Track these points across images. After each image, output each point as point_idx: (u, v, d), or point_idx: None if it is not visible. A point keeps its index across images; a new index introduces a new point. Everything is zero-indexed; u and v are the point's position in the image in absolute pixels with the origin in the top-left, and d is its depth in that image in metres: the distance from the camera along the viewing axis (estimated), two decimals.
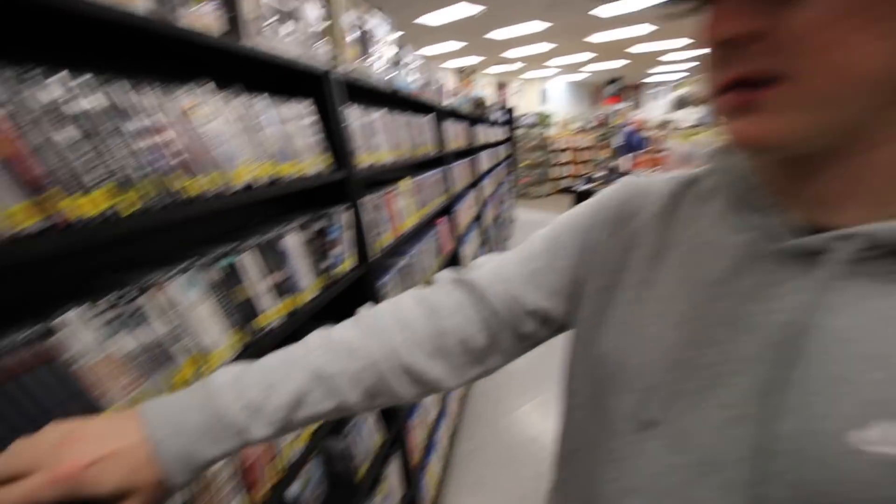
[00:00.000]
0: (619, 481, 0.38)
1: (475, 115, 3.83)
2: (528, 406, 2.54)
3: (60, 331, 0.51)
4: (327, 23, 1.19)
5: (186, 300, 0.68)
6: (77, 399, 0.52)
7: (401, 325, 0.47)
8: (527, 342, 0.51)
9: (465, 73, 7.07)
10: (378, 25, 1.53)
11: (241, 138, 0.83)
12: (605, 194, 0.49)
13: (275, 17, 0.95)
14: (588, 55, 9.89)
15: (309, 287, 1.02)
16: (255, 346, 0.81)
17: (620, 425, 0.39)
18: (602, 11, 6.24)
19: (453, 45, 8.73)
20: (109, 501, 0.33)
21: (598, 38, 7.94)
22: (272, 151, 0.91)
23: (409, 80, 1.91)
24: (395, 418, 1.45)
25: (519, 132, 9.42)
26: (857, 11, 0.26)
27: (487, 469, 2.09)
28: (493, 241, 4.34)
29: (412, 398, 0.48)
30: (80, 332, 0.53)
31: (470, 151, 3.52)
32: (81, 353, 0.53)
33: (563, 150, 10.06)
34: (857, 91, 0.27)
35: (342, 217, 1.19)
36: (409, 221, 1.77)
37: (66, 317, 0.52)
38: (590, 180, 6.29)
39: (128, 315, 0.59)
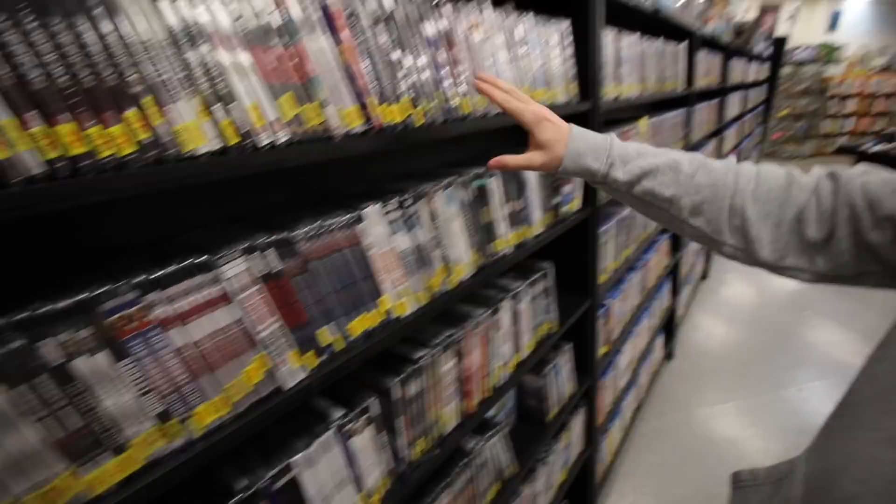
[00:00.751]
0: (853, 482, 0.34)
1: (733, 47, 3.10)
2: (729, 406, 2.17)
3: (364, 221, 0.61)
4: None
5: (448, 212, 0.74)
6: (367, 280, 0.62)
7: (759, 179, 0.49)
8: (862, 263, 0.43)
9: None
10: None
11: (507, 60, 0.82)
12: None
13: None
14: None
15: (538, 221, 1.00)
16: (487, 271, 0.84)
17: (870, 437, 0.34)
18: None
19: None
20: (534, 147, 0.61)
21: None
22: (531, 76, 0.88)
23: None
24: (588, 373, 1.41)
25: (785, 70, 7.37)
26: None
27: (672, 455, 1.91)
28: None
29: (726, 239, 0.50)
30: (374, 226, 0.62)
31: (721, 92, 2.91)
32: (375, 243, 0.62)
33: (847, 98, 7.52)
34: None
35: None
36: None
37: (366, 210, 0.61)
38: (889, 139, 4.60)
39: (406, 218, 0.67)
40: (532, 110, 0.59)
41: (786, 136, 7.76)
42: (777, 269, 0.48)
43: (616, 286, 1.61)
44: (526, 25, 0.86)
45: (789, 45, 7.34)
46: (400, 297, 0.68)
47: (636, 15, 1.40)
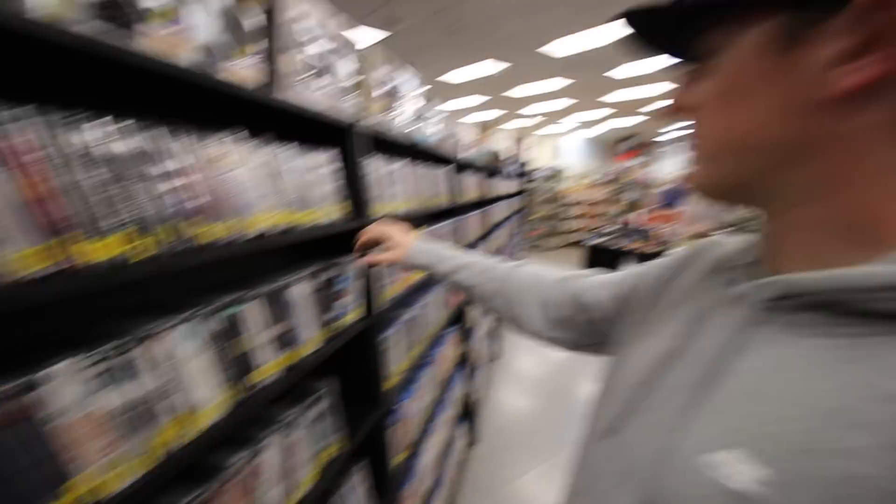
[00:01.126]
0: (576, 482, 0.46)
1: (491, 168, 3.89)
2: (532, 473, 2.39)
3: (44, 385, 0.48)
4: (359, 77, 1.22)
5: (185, 351, 0.65)
6: (42, 465, 0.48)
7: (527, 277, 0.73)
8: (589, 337, 0.64)
9: (484, 128, 7.32)
10: (407, 81, 1.58)
11: (262, 186, 0.82)
12: (693, 245, 0.55)
13: (310, 72, 0.98)
14: (606, 111, 10.21)
15: (313, 339, 0.98)
16: (247, 404, 0.76)
17: (594, 434, 0.46)
18: (616, 73, 6.49)
19: (476, 100, 9.09)
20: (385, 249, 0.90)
21: (614, 96, 8.22)
22: (290, 199, 0.90)
23: (429, 133, 1.95)
24: (385, 489, 1.36)
25: (533, 185, 9.57)
26: (722, 97, 0.35)
27: None
28: None
29: (511, 317, 0.73)
30: (64, 387, 0.50)
31: (484, 203, 3.55)
32: (61, 411, 0.49)
33: (576, 204, 10.16)
34: (736, 150, 0.34)
35: (353, 267, 1.17)
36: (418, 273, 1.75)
37: (53, 369, 0.49)
38: (601, 235, 6.28)
39: (118, 369, 0.56)
40: (379, 230, 0.94)
41: (539, 234, 9.86)
42: (545, 339, 0.69)
43: (408, 387, 1.65)
44: (284, 155, 0.90)
45: (533, 167, 9.66)
46: (111, 468, 0.54)
47: (401, 146, 1.63)
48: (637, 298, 0.56)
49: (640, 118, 10.78)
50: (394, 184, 1.49)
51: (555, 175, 10.47)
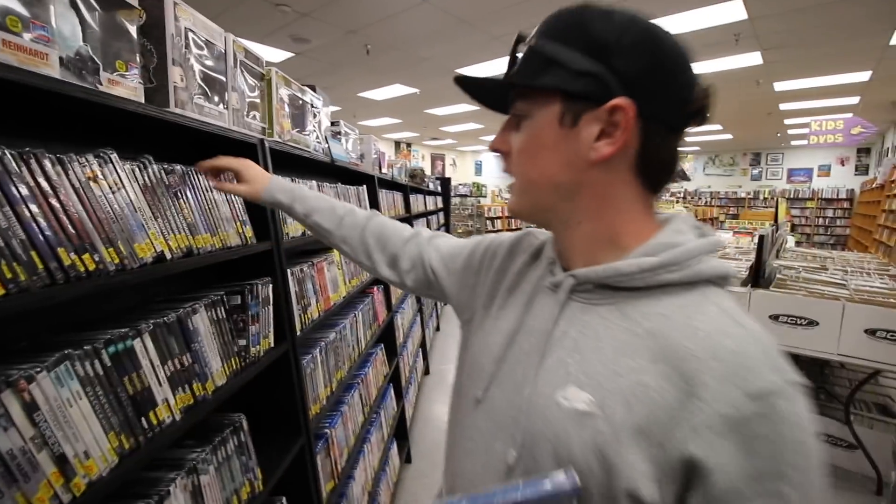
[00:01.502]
0: (462, 444, 0.56)
1: (412, 185, 3.93)
2: None
3: None
4: (261, 94, 1.19)
5: (62, 396, 0.57)
6: None
7: (382, 225, 0.82)
8: (425, 287, 0.76)
9: (403, 146, 7.39)
10: (317, 98, 1.56)
11: (152, 208, 0.76)
12: (513, 237, 0.68)
13: (205, 88, 0.93)
14: None
15: (218, 371, 0.91)
16: (144, 451, 0.69)
17: (467, 405, 0.57)
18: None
19: (392, 120, 9.17)
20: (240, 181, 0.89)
21: None
22: (186, 223, 0.85)
23: (347, 150, 1.93)
24: None
25: (455, 201, 9.78)
26: (527, 145, 0.49)
27: None
28: (427, 309, 4.30)
29: (363, 260, 0.82)
30: None
31: (407, 220, 3.57)
32: None
33: (496, 218, 10.58)
34: (537, 189, 0.50)
35: (264, 290, 1.12)
36: (341, 291, 1.71)
37: None
38: None
39: None
40: (238, 162, 0.90)
41: None
42: (396, 284, 0.79)
43: (334, 411, 1.60)
44: (177, 176, 0.84)
45: (454, 183, 9.88)
46: None
47: (315, 163, 1.60)
48: (481, 271, 0.67)
49: None
50: None
51: (477, 191, 10.81)
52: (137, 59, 0.77)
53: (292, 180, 1.17)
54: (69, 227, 0.61)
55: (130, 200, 0.72)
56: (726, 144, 12.25)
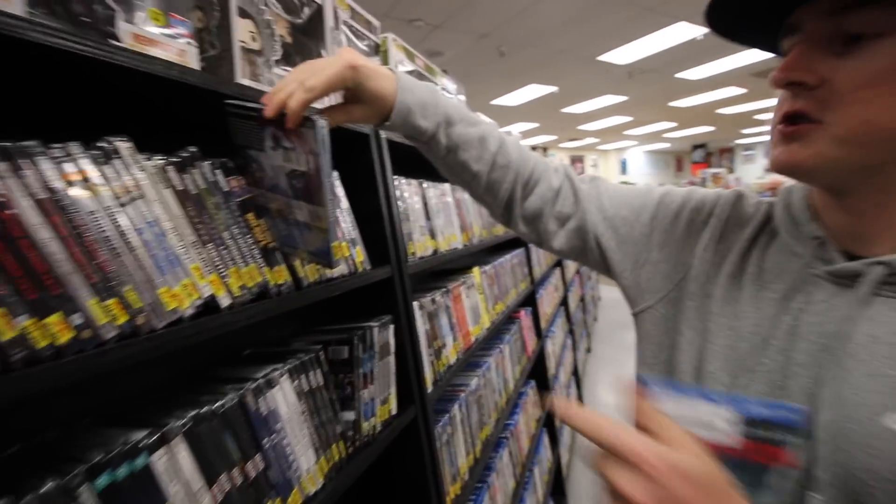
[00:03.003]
0: None
1: None
2: None
3: None
4: None
5: None
6: None
7: (536, 171, 0.59)
8: (578, 246, 0.59)
9: (539, 151, 6.97)
10: (446, 83, 1.24)
11: (198, 229, 0.49)
12: (722, 202, 0.52)
13: (283, 55, 0.65)
14: (667, 124, 9.41)
15: (309, 474, 0.60)
16: None
17: None
18: (691, 74, 5.85)
19: (528, 125, 8.77)
20: (357, 101, 0.52)
21: (680, 103, 7.50)
22: (265, 245, 0.56)
23: None
24: None
25: None
26: (883, 82, 0.35)
27: None
28: (578, 328, 3.73)
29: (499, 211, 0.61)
30: None
31: None
32: None
33: None
34: (872, 140, 0.37)
35: (382, 335, 0.80)
36: (483, 322, 1.35)
37: None
38: None
39: None
40: (342, 63, 0.48)
41: None
42: (526, 239, 0.63)
43: (480, 484, 1.22)
44: (242, 182, 0.56)
45: None
46: None
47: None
48: (678, 243, 0.52)
49: (705, 128, 9.81)
50: (438, 212, 1.12)
51: None
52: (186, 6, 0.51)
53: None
54: (15, 267, 0.34)
55: (154, 219, 0.44)
56: None
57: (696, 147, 12.02)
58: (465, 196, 1.34)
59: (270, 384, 0.56)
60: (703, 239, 0.51)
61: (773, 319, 0.42)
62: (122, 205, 0.42)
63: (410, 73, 1.00)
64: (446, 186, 1.21)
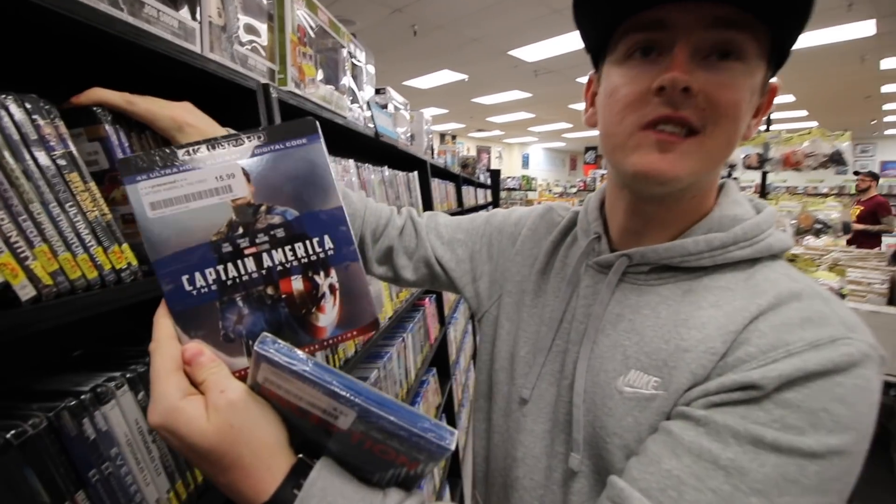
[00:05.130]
0: (510, 453, 0.51)
1: (464, 176, 3.48)
2: None
3: None
4: (260, 19, 0.75)
5: None
6: None
7: (378, 214, 0.66)
8: (426, 273, 0.66)
9: (448, 138, 6.98)
10: (355, 47, 1.12)
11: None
12: (534, 216, 0.61)
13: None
14: (565, 124, 10.10)
15: None
16: None
17: (509, 405, 0.52)
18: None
19: (439, 111, 8.74)
20: None
21: (578, 106, 8.07)
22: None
23: (396, 129, 1.49)
24: None
25: (502, 195, 9.29)
26: (746, 101, 0.39)
27: None
28: None
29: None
30: None
31: (458, 214, 3.12)
32: None
33: None
34: (727, 155, 0.41)
35: None
36: (386, 311, 1.27)
37: None
38: None
39: None
40: (169, 115, 0.46)
41: None
42: (384, 279, 0.67)
43: None
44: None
45: (502, 176, 9.36)
46: None
47: (346, 136, 1.17)
48: (501, 255, 0.61)
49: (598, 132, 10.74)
50: (355, 189, 1.02)
51: (526, 184, 10.24)
52: None
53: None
54: None
55: None
56: (786, 137, 10.93)
57: (588, 149, 13.09)
58: (372, 177, 1.24)
59: (101, 398, 0.43)
60: (517, 246, 0.59)
61: (565, 305, 0.49)
62: None
63: (312, 28, 0.87)
64: (350, 163, 1.10)
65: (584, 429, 0.43)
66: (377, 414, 0.28)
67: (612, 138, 0.42)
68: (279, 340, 0.30)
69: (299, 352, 0.29)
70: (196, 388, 0.30)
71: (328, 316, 0.35)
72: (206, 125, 0.52)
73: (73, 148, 0.41)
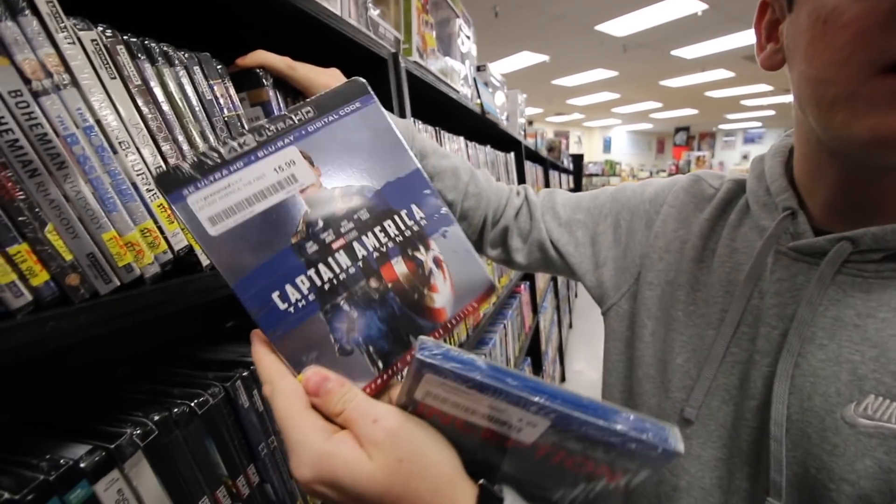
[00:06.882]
0: (668, 481, 0.42)
1: (550, 160, 3.33)
2: None
3: None
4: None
5: None
6: None
7: (500, 197, 0.61)
8: (539, 257, 0.58)
9: (525, 122, 6.80)
10: (462, 21, 1.07)
11: (148, 148, 0.33)
12: (676, 189, 0.50)
13: None
14: (654, 104, 9.35)
15: None
16: None
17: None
18: (685, 52, 5.75)
19: (521, 94, 8.54)
20: None
21: (670, 83, 7.41)
22: None
23: (494, 107, 1.43)
24: None
25: (588, 180, 8.89)
26: None
27: None
28: (563, 303, 3.69)
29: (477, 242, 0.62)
30: None
31: None
32: None
33: None
34: None
35: None
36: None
37: None
38: None
39: None
40: (324, 83, 0.47)
41: None
42: (497, 261, 0.62)
43: None
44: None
45: (586, 160, 8.95)
46: None
47: (455, 111, 1.12)
48: (633, 237, 0.51)
49: (690, 111, 9.80)
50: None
51: (609, 168, 9.70)
52: None
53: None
54: None
55: (95, 120, 0.29)
56: None
57: (678, 129, 12.06)
58: (480, 155, 1.19)
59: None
60: (655, 227, 0.49)
61: (742, 302, 0.39)
62: (37, 93, 0.26)
63: None
64: (461, 140, 1.05)
65: (790, 467, 0.34)
66: (581, 420, 0.23)
67: (827, 86, 0.30)
68: (440, 343, 0.24)
69: (466, 353, 0.23)
70: (334, 423, 0.25)
71: (443, 294, 0.29)
72: None
73: (241, 111, 0.39)
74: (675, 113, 10.37)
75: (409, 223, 0.29)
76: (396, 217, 0.29)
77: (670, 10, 4.31)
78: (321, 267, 0.28)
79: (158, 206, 0.32)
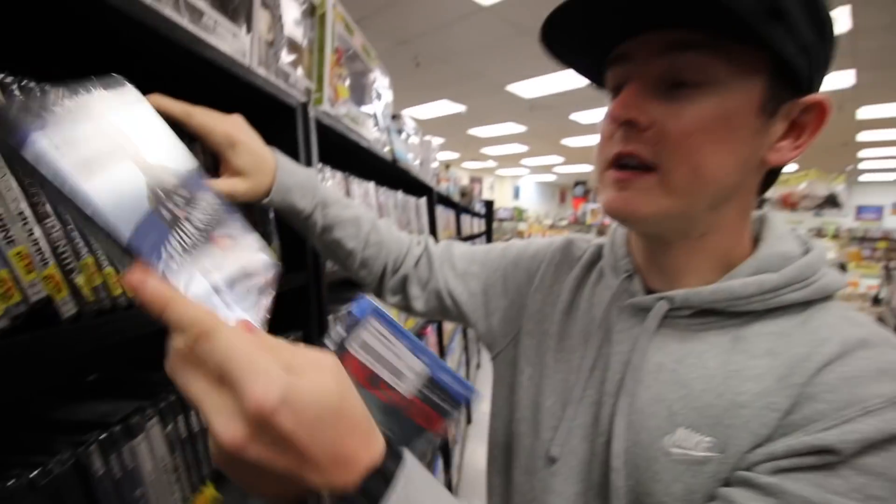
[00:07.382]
0: None
1: (462, 205, 3.49)
2: None
3: None
4: (299, 33, 0.74)
5: None
6: None
7: (402, 247, 0.65)
8: (436, 305, 0.63)
9: (442, 167, 7.10)
10: (378, 72, 1.12)
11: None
12: (553, 249, 0.57)
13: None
14: (557, 158, 10.34)
15: None
16: None
17: (534, 462, 0.47)
18: (581, 117, 6.49)
19: (436, 140, 8.88)
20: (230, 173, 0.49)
21: (570, 142, 8.28)
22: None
23: (405, 154, 1.49)
24: None
25: (497, 225, 9.37)
26: (711, 129, 0.36)
27: None
28: (471, 342, 3.78)
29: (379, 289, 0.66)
30: None
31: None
32: None
33: None
34: (702, 190, 0.38)
35: None
36: None
37: None
38: None
39: None
40: (223, 131, 0.48)
41: None
42: (395, 307, 0.65)
43: None
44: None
45: (496, 206, 9.47)
46: None
47: (363, 158, 1.15)
48: (518, 290, 0.57)
49: (588, 167, 11.00)
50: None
51: (518, 215, 10.36)
52: None
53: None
54: None
55: None
56: (784, 178, 11.39)
57: (577, 183, 13.37)
58: (389, 201, 1.22)
59: (131, 431, 0.38)
60: (535, 282, 0.55)
61: (598, 351, 0.45)
62: None
63: (347, 52, 0.86)
64: (370, 186, 1.08)
65: (626, 496, 0.39)
66: (444, 366, 0.33)
67: (598, 174, 0.43)
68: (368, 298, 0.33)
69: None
70: None
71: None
72: (256, 143, 0.51)
73: None
74: (574, 168, 11.53)
75: None
76: None
77: (567, 80, 4.89)
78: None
79: (14, 255, 0.29)
